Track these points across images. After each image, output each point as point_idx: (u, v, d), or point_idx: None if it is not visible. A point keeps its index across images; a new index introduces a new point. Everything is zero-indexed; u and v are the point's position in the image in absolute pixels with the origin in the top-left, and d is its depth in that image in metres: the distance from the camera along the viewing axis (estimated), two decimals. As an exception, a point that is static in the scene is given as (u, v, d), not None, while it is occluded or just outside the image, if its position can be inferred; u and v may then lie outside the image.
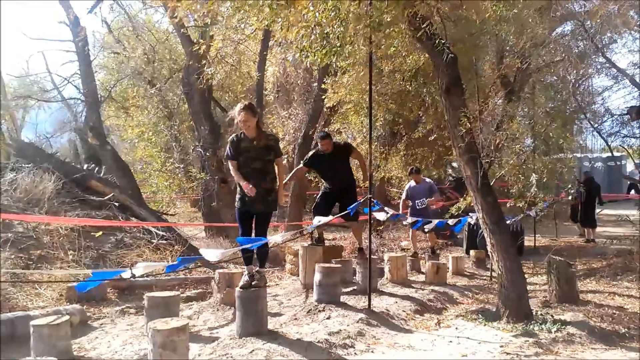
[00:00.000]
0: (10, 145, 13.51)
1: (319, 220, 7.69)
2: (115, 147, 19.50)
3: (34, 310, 7.05)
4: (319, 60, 6.40)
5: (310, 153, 8.96)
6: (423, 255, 11.80)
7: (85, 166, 13.81)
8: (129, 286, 8.79)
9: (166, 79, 17.66)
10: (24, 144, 13.82)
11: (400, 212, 11.19)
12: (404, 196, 11.77)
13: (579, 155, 24.87)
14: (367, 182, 7.69)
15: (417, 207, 11.27)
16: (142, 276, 7.86)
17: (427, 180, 11.87)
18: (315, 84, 14.61)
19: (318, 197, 9.04)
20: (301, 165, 8.97)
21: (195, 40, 11.40)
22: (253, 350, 5.30)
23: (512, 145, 7.33)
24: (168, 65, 17.53)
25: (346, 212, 7.79)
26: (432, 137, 12.73)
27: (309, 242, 9.15)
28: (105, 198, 11.71)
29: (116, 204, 11.76)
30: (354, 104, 12.31)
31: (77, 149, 23.41)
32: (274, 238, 6.49)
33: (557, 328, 6.00)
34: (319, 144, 8.69)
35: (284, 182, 6.82)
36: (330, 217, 8.33)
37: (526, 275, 6.98)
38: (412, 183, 11.54)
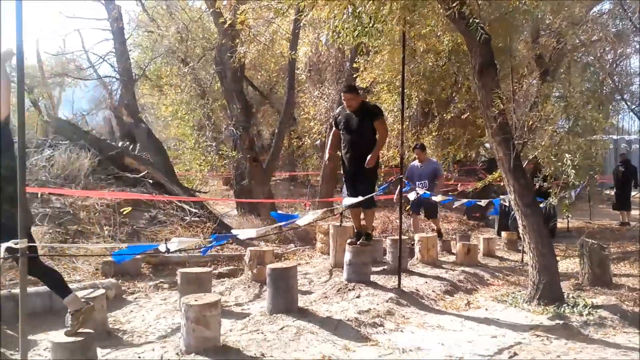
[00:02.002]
0: (48, 122, 13.78)
1: (349, 200, 7.18)
2: (149, 125, 19.73)
3: (71, 284, 7.23)
4: (350, 40, 6.38)
5: (337, 110, 7.75)
6: (454, 237, 11.77)
7: (120, 144, 14.02)
8: (163, 262, 8.96)
9: (199, 57, 17.74)
10: (61, 122, 14.09)
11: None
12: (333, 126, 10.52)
13: (615, 137, 24.40)
14: (374, 158, 6.87)
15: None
16: (175, 252, 8.02)
17: (433, 160, 11.24)
18: (348, 64, 14.55)
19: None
20: (334, 128, 7.69)
21: (225, 18, 11.36)
22: (283, 327, 5.38)
23: (545, 126, 7.23)
24: (201, 44, 17.59)
25: (360, 199, 6.86)
26: (465, 117, 12.61)
27: (355, 240, 7.66)
28: (140, 175, 11.90)
29: (150, 181, 11.96)
30: (386, 84, 12.22)
31: (112, 127, 23.73)
32: (307, 217, 6.54)
33: (588, 311, 5.96)
34: (342, 98, 7.34)
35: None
36: (360, 198, 8.31)
37: (558, 258, 6.93)
38: (415, 162, 10.76)
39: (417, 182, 10.32)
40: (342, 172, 7.66)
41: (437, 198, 9.72)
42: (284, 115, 14.53)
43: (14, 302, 5.99)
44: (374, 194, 7.19)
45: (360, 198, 6.80)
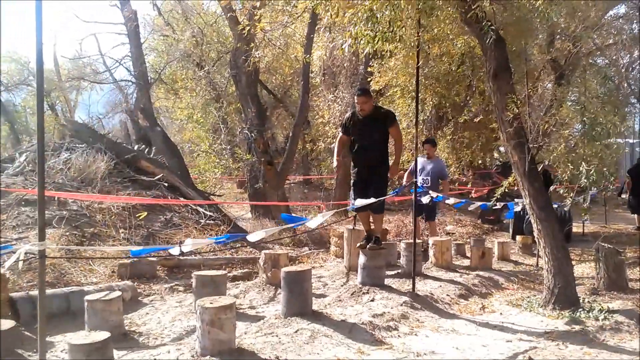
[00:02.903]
0: (65, 125, 13.91)
1: (361, 202, 6.82)
2: (165, 128, 19.87)
3: (87, 286, 7.31)
4: (370, 46, 6.40)
5: (347, 115, 7.61)
6: (468, 240, 11.73)
7: (135, 147, 14.13)
8: (178, 265, 9.00)
9: (214, 61, 17.86)
10: (78, 125, 14.21)
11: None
12: (410, 167, 10.14)
13: (631, 140, 24.20)
14: (396, 167, 7.17)
15: (419, 185, 9.53)
16: (190, 255, 8.08)
17: (441, 159, 10.78)
18: (362, 67, 14.57)
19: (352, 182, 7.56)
20: (340, 133, 7.54)
21: (241, 21, 11.44)
22: (298, 330, 5.40)
23: (561, 130, 7.21)
24: (216, 48, 17.73)
25: (370, 202, 6.73)
26: (478, 119, 12.58)
27: (365, 244, 7.48)
28: (155, 178, 11.98)
29: (165, 184, 12.04)
30: (400, 88, 12.22)
31: (127, 130, 23.91)
32: (317, 219, 6.55)
33: (604, 316, 5.93)
34: (355, 102, 7.14)
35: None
36: (370, 200, 8.31)
37: (573, 263, 6.90)
38: (424, 157, 10.21)
39: (420, 177, 9.87)
40: (351, 178, 7.43)
41: (451, 201, 9.64)
42: (298, 118, 14.55)
43: (32, 303, 6.08)
44: (384, 197, 7.17)
45: (371, 200, 6.76)
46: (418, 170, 9.44)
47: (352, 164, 7.38)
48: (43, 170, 3.74)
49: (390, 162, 7.36)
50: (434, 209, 10.29)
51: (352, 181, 7.38)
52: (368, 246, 7.20)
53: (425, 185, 9.81)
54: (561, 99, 7.80)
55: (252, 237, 5.87)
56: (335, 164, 7.32)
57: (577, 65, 10.94)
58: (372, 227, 7.59)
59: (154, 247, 6.45)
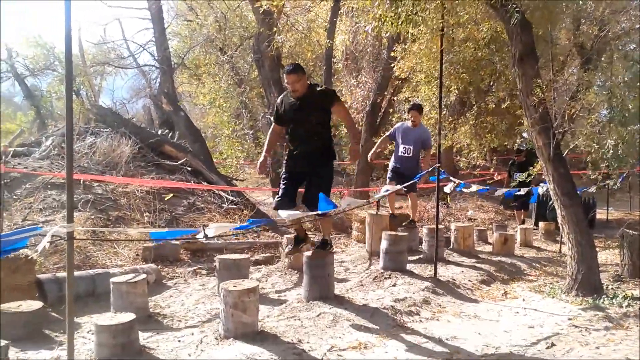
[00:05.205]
0: (90, 110, 14.06)
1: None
2: (188, 113, 19.97)
3: (112, 269, 7.43)
4: (395, 29, 6.36)
5: (278, 99, 6.17)
6: (490, 226, 11.67)
7: (159, 131, 14.24)
8: (201, 248, 9.11)
9: (237, 46, 17.87)
10: (103, 109, 14.37)
11: (374, 149, 9.18)
12: (388, 133, 9.41)
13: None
14: (357, 148, 5.92)
15: (400, 154, 8.97)
16: (213, 239, 8.15)
17: (426, 128, 9.65)
18: (385, 52, 14.49)
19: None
20: (273, 123, 6.23)
21: (261, 3, 11.39)
22: (320, 314, 5.43)
23: (587, 115, 7.11)
24: (239, 33, 17.73)
25: (318, 212, 5.49)
26: (504, 106, 12.45)
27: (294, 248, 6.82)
28: (179, 163, 12.09)
29: (189, 168, 12.14)
30: (425, 74, 12.11)
31: (151, 115, 24.10)
32: (342, 205, 6.56)
33: (628, 303, 5.88)
34: (284, 82, 5.91)
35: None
36: (398, 187, 8.30)
37: (597, 249, 6.84)
38: (408, 123, 9.02)
39: (402, 145, 8.95)
40: (282, 173, 6.09)
41: (474, 188, 9.46)
42: (320, 103, 14.50)
43: (58, 285, 6.21)
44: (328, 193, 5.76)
45: (398, 186, 6.59)
46: (400, 137, 8.95)
47: (285, 157, 6.12)
48: (72, 154, 3.80)
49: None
50: (414, 176, 8.87)
51: (282, 175, 6.05)
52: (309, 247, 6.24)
53: (406, 154, 8.92)
54: (588, 84, 7.68)
55: (286, 216, 5.66)
56: (261, 160, 6.03)
57: (604, 50, 10.77)
58: (321, 230, 6.60)
59: (178, 230, 6.51)
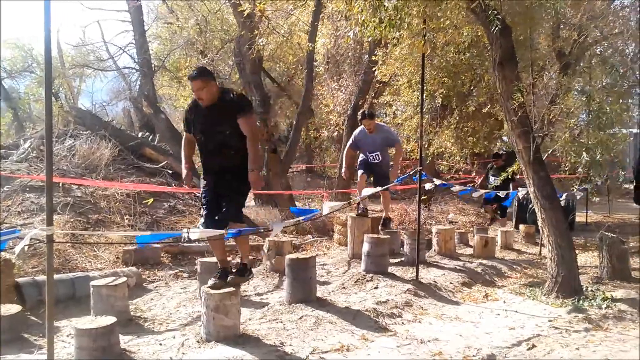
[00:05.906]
0: (69, 112, 13.94)
1: (368, 191, 6.75)
2: (168, 115, 19.86)
3: (92, 272, 7.36)
4: (378, 33, 6.38)
5: (187, 106, 5.62)
6: (471, 229, 11.74)
7: (139, 134, 14.16)
8: (182, 251, 9.06)
9: (218, 49, 17.80)
10: (82, 112, 14.27)
11: (343, 163, 9.17)
12: (349, 143, 9.32)
13: (636, 130, 24.13)
14: (255, 170, 5.18)
15: (370, 161, 8.98)
16: (194, 242, 8.13)
17: (384, 127, 9.37)
18: (366, 56, 14.54)
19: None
20: (184, 134, 5.72)
21: (243, 7, 11.37)
22: (302, 317, 5.43)
23: (566, 119, 7.20)
24: (220, 36, 17.64)
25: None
26: (485, 110, 12.54)
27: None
28: (159, 165, 12.03)
29: (169, 171, 12.08)
30: (407, 79, 12.16)
31: (131, 118, 23.94)
32: (323, 208, 6.57)
33: (607, 304, 5.95)
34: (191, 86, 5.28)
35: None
36: (378, 189, 8.34)
37: (577, 252, 6.91)
38: (365, 130, 8.87)
39: (368, 154, 8.92)
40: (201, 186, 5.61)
41: (456, 188, 9.54)
42: (301, 107, 14.53)
43: (37, 288, 6.15)
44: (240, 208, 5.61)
45: (378, 189, 6.62)
46: (364, 146, 8.93)
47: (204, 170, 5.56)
48: (51, 156, 3.76)
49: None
50: (387, 175, 8.90)
51: (201, 195, 5.58)
52: (229, 279, 5.30)
53: (376, 161, 8.87)
54: (566, 88, 7.78)
55: (275, 230, 5.66)
56: (184, 176, 5.61)
57: (583, 55, 10.91)
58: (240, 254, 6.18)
59: (163, 234, 6.48)
